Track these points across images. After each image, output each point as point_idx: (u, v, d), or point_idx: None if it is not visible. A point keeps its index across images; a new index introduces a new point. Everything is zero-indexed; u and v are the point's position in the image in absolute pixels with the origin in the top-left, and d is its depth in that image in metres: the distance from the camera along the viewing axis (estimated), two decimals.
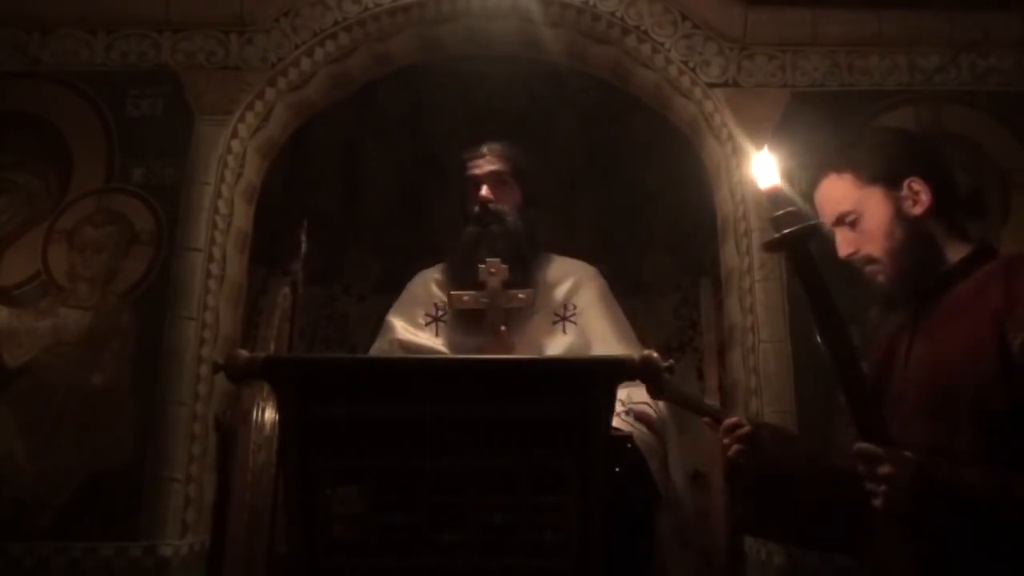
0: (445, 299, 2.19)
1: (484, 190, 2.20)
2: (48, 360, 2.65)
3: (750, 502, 1.61)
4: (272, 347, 3.21)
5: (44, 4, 2.97)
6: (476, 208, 2.19)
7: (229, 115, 2.90)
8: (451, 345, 2.14)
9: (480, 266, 2.00)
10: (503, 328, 1.98)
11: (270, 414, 2.94)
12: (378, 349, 2.25)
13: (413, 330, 2.20)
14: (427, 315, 2.22)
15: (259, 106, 2.96)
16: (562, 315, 2.16)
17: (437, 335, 2.17)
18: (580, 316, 2.16)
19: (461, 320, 2.14)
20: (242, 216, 3.01)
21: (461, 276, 2.15)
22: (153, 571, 2.45)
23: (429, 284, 2.30)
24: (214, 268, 2.80)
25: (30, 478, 2.53)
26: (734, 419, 1.57)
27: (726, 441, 1.55)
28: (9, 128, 2.87)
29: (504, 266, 2.01)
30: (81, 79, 2.92)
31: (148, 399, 2.60)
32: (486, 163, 2.26)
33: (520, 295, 2.02)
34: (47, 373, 2.64)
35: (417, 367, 1.29)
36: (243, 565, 2.78)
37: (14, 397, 2.61)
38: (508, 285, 2.02)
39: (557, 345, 2.10)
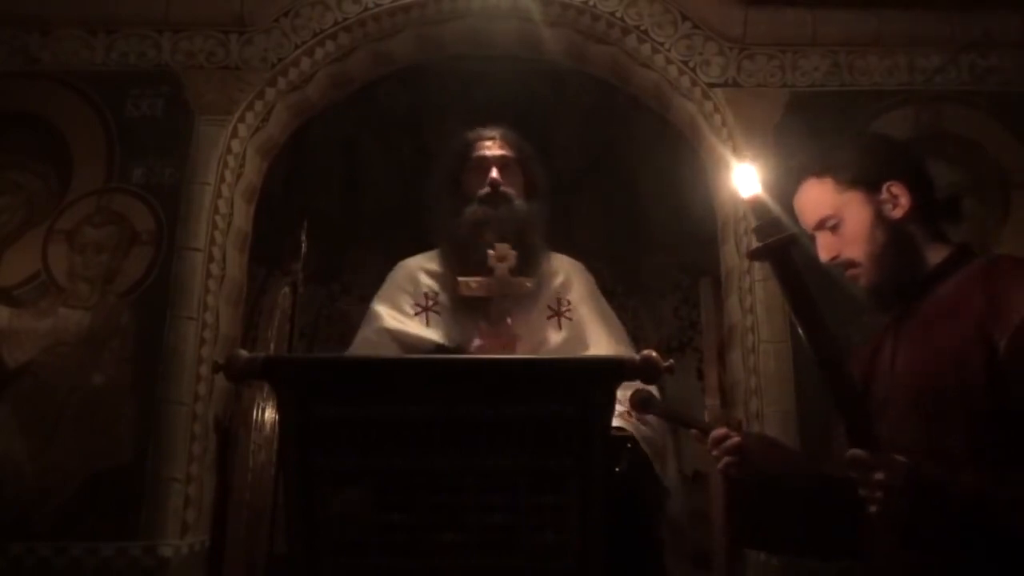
0: (437, 288, 2.14)
1: (495, 172, 2.14)
2: (48, 360, 2.65)
3: (745, 515, 1.60)
4: (272, 347, 3.22)
5: (44, 4, 2.97)
6: (486, 189, 2.11)
7: (229, 115, 2.90)
8: (448, 337, 2.07)
9: (489, 251, 1.92)
10: (509, 320, 1.92)
11: (270, 414, 2.94)
12: (364, 338, 2.15)
13: (401, 319, 2.12)
14: (416, 304, 2.14)
15: (259, 106, 2.96)
16: (556, 310, 2.13)
17: (428, 325, 2.12)
18: (574, 312, 2.14)
19: (456, 310, 2.08)
20: (242, 216, 3.01)
21: (464, 258, 2.06)
22: (153, 571, 2.45)
23: (417, 273, 2.21)
24: (214, 268, 2.80)
25: (30, 478, 2.53)
26: (722, 431, 1.55)
27: (715, 453, 1.52)
28: (9, 128, 2.87)
29: (513, 252, 1.92)
30: (81, 79, 2.92)
31: (148, 399, 2.60)
32: (496, 147, 2.20)
33: (527, 283, 1.95)
34: (47, 373, 2.64)
35: (417, 367, 1.29)
36: (243, 565, 2.79)
37: (14, 397, 2.61)
38: (514, 272, 1.94)
39: (555, 340, 2.08)
